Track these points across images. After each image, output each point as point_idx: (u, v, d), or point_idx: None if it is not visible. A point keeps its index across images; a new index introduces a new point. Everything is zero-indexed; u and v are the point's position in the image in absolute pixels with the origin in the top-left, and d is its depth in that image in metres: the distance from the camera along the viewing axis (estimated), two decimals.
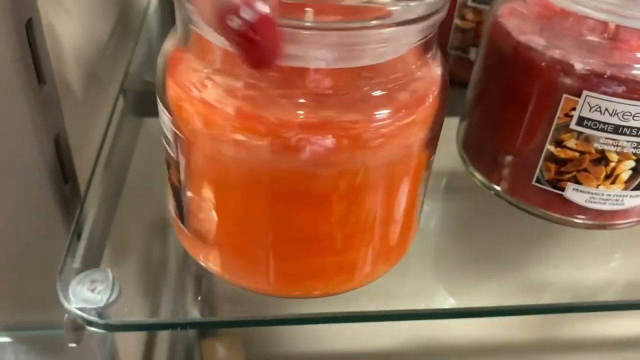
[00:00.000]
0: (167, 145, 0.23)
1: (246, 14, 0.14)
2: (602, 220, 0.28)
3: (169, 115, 0.22)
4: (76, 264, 0.26)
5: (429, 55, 0.22)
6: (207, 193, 0.22)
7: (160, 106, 0.23)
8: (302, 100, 0.19)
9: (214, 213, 0.23)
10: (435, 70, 0.22)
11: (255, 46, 0.15)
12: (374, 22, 0.19)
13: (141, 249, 0.33)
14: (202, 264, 0.25)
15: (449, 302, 0.30)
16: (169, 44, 0.23)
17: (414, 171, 0.23)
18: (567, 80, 0.25)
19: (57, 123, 0.27)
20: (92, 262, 0.27)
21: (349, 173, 0.21)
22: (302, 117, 0.19)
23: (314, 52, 0.19)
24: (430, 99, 0.21)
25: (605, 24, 0.25)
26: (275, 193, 0.21)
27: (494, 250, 0.34)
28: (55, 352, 0.34)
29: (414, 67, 0.21)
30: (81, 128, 0.32)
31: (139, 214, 0.34)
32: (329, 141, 0.19)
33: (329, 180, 0.21)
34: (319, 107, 0.19)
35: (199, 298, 0.29)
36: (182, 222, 0.25)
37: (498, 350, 0.56)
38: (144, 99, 0.34)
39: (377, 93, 0.20)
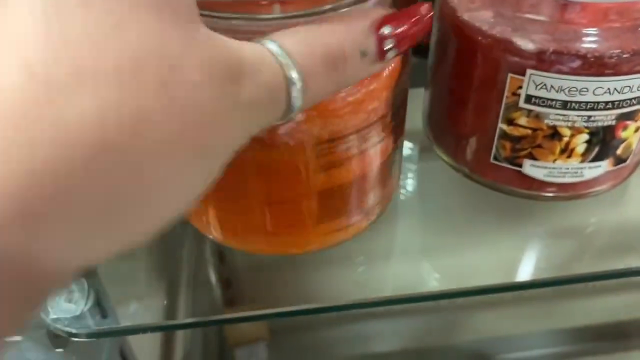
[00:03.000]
0: None
1: None
2: (570, 191, 0.28)
3: None
4: None
5: None
6: None
7: None
8: None
9: None
10: None
11: None
12: (329, 6, 0.19)
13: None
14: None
15: (427, 286, 0.31)
16: None
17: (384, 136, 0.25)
18: (511, 59, 0.24)
19: None
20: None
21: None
22: None
23: None
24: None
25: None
26: (259, 164, 0.23)
27: (471, 230, 0.33)
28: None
29: None
30: None
31: None
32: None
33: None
34: None
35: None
36: None
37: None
38: None
39: None
